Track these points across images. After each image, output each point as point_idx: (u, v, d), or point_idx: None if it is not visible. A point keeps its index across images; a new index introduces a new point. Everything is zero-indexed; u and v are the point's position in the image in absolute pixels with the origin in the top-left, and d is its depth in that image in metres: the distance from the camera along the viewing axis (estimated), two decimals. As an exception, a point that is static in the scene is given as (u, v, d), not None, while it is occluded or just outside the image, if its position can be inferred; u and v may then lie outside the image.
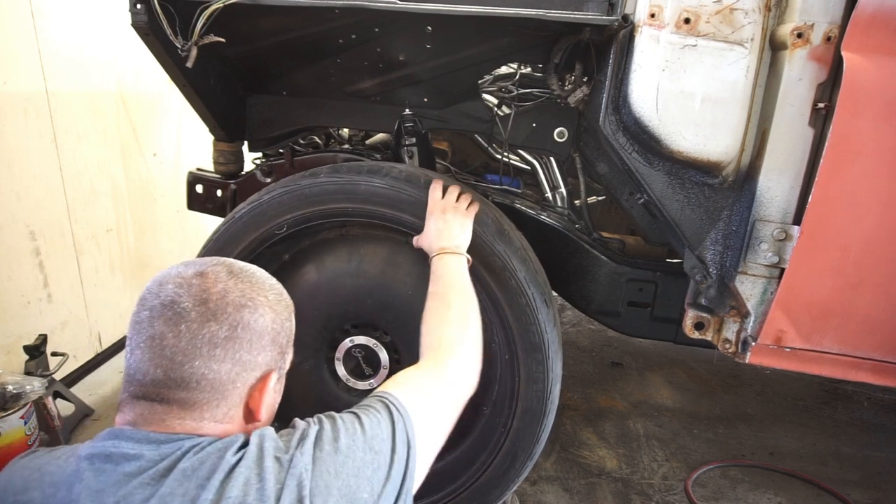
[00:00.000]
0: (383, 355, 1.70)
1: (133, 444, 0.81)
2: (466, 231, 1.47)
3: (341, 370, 1.74)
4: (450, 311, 1.26)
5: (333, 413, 0.94)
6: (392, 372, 1.71)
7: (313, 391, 1.79)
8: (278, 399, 0.96)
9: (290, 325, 0.96)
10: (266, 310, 0.89)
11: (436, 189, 1.52)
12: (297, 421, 0.91)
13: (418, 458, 0.96)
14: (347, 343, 1.72)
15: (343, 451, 0.87)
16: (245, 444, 0.84)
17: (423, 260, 1.62)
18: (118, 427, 0.85)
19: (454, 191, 1.54)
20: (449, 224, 1.45)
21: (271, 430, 0.88)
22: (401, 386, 1.05)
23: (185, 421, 0.84)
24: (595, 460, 2.46)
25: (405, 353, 1.69)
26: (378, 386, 1.69)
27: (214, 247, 1.63)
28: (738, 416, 2.84)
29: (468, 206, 1.52)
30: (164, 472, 0.78)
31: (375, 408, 0.96)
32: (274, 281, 0.95)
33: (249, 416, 0.89)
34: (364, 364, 1.72)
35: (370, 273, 1.71)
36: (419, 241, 1.50)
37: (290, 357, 0.97)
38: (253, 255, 1.65)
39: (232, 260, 0.93)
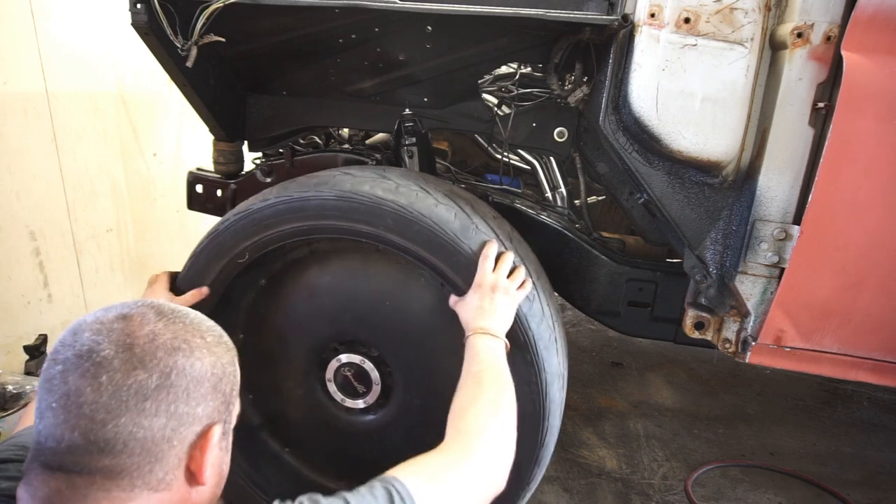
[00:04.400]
0: (373, 371, 1.66)
1: None
2: (510, 315, 1.36)
3: (334, 390, 1.71)
4: (481, 393, 1.14)
5: (318, 497, 0.83)
6: (385, 388, 1.67)
7: (313, 415, 1.77)
8: (226, 459, 0.84)
9: (234, 370, 0.83)
10: (204, 353, 0.77)
11: (487, 258, 1.39)
12: None
13: None
14: (335, 363, 1.68)
15: None
16: None
17: (395, 267, 1.59)
18: None
19: (506, 264, 1.41)
20: (495, 305, 1.33)
21: None
22: (413, 472, 0.92)
23: (111, 493, 0.70)
24: (595, 460, 2.45)
25: (395, 366, 1.65)
26: (373, 405, 1.69)
27: (185, 287, 1.59)
28: (738, 416, 2.84)
29: (519, 287, 1.41)
30: None
31: (374, 494, 0.85)
32: (212, 323, 0.84)
33: (192, 479, 0.77)
34: (355, 381, 1.67)
35: (343, 289, 1.66)
36: (457, 306, 1.40)
37: (236, 410, 0.85)
38: (225, 286, 1.60)
39: (161, 301, 0.82)
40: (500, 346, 1.29)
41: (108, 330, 0.74)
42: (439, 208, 1.46)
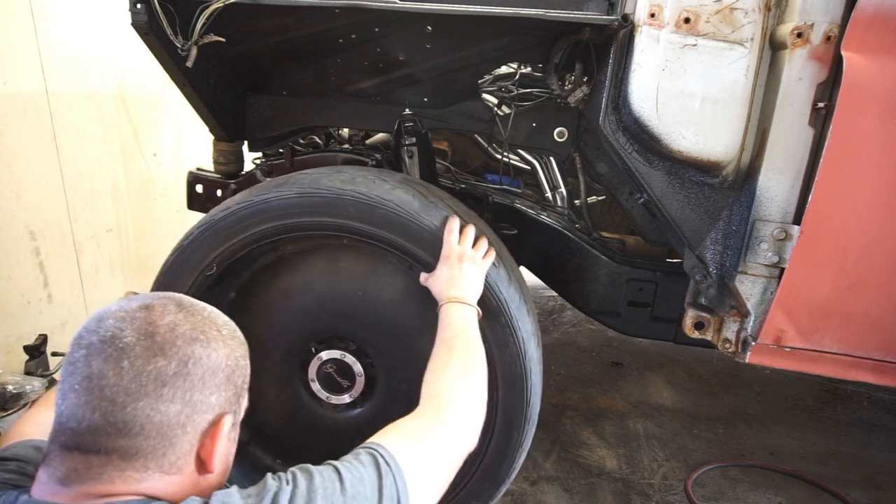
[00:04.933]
0: (355, 364, 1.66)
1: None
2: (479, 283, 1.41)
3: (318, 389, 1.71)
4: (452, 358, 1.20)
5: (310, 467, 0.86)
6: (368, 379, 1.68)
7: (301, 419, 1.76)
8: (233, 449, 0.88)
9: (246, 364, 0.87)
10: (220, 344, 0.81)
11: (451, 231, 1.45)
12: (269, 478, 0.83)
13: None
14: (316, 362, 1.68)
15: None
16: None
17: (362, 258, 1.61)
18: (32, 500, 0.74)
19: (469, 235, 1.46)
20: (464, 274, 1.38)
21: (235, 493, 0.79)
22: (392, 436, 0.97)
23: (125, 472, 0.74)
24: (595, 460, 2.45)
25: (376, 356, 1.66)
26: (360, 398, 1.69)
27: None
28: (738, 416, 2.84)
29: (484, 255, 1.46)
30: None
31: (360, 461, 0.88)
32: (227, 318, 0.88)
33: (201, 466, 0.80)
34: (338, 377, 1.68)
35: (316, 286, 1.67)
36: (428, 281, 1.44)
37: (245, 403, 0.88)
38: None
39: (181, 294, 0.86)
40: (471, 314, 1.33)
41: (132, 318, 0.77)
42: (397, 191, 1.50)
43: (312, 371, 1.69)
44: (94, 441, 0.73)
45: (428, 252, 1.47)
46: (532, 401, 1.57)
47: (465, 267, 1.40)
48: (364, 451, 0.91)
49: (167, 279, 1.59)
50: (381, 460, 0.89)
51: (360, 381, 1.68)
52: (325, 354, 1.67)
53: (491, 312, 1.48)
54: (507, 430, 1.57)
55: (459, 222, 1.48)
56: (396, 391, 1.67)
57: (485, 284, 1.45)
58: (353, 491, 0.83)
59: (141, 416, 0.74)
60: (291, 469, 0.85)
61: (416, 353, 1.59)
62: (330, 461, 0.89)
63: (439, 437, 1.02)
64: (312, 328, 1.67)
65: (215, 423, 0.80)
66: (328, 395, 1.71)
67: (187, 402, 0.77)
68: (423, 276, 1.47)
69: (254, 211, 1.50)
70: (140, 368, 0.74)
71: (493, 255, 1.49)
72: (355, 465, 0.87)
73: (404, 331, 1.63)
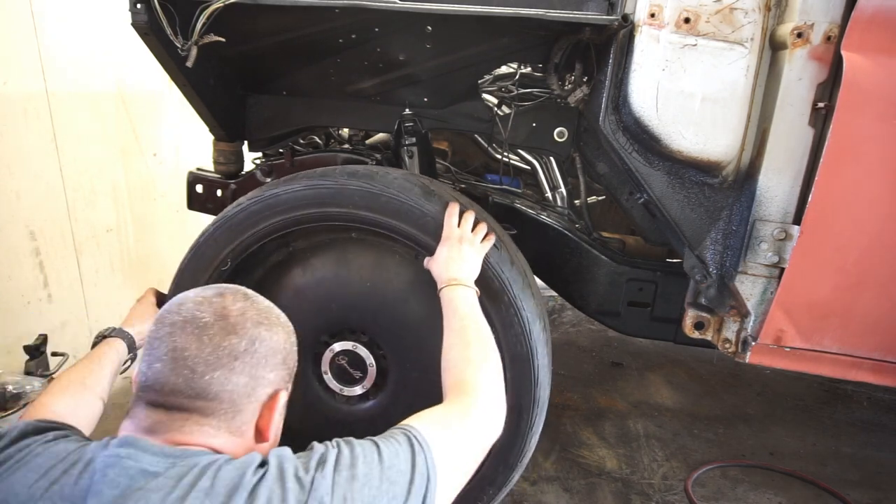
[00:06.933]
0: (366, 355, 1.69)
1: (150, 458, 0.82)
2: (477, 264, 1.46)
3: (332, 382, 1.73)
4: (470, 350, 1.23)
5: (352, 439, 0.95)
6: (380, 369, 1.70)
7: (316, 413, 1.77)
8: (281, 424, 0.99)
9: (296, 350, 1.01)
10: (279, 329, 0.96)
11: (452, 215, 1.51)
12: (316, 444, 0.93)
13: (438, 494, 0.94)
14: (328, 354, 1.70)
15: (360, 478, 0.87)
16: (263, 464, 0.86)
17: (371, 251, 1.67)
18: (132, 436, 0.85)
19: (470, 219, 1.52)
20: (463, 255, 1.43)
21: (289, 450, 0.89)
22: (425, 421, 1.03)
23: (203, 427, 0.87)
24: (595, 460, 2.45)
25: (387, 346, 1.68)
26: (372, 389, 1.72)
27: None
28: (738, 416, 2.84)
29: (483, 239, 1.50)
30: (185, 490, 0.79)
31: (396, 438, 0.96)
32: (280, 311, 1.01)
33: (258, 435, 0.93)
34: (351, 369, 1.71)
35: (326, 279, 1.72)
36: (429, 263, 1.49)
37: (291, 385, 1.00)
38: None
39: (245, 288, 0.99)
40: (473, 295, 1.38)
41: (209, 303, 0.92)
42: (399, 180, 1.57)
43: (325, 363, 1.72)
44: (177, 401, 0.86)
45: (431, 237, 1.52)
46: (540, 381, 1.58)
47: (464, 248, 1.44)
48: (399, 431, 0.98)
49: (185, 278, 1.64)
50: (414, 440, 0.96)
51: (372, 372, 1.70)
52: (337, 346, 1.70)
53: (494, 293, 1.52)
54: (516, 411, 1.58)
55: (460, 207, 1.53)
56: (408, 381, 1.69)
57: (487, 266, 1.49)
58: (390, 462, 0.91)
59: (216, 384, 0.86)
60: (336, 439, 0.95)
61: (426, 343, 1.61)
62: (368, 437, 0.96)
63: (469, 426, 1.08)
64: (325, 321, 1.71)
65: (273, 397, 0.93)
66: (341, 386, 1.74)
67: (252, 376, 0.90)
68: (426, 260, 1.52)
69: (264, 205, 1.57)
70: (217, 343, 0.87)
71: (492, 238, 1.53)
72: (391, 442, 0.95)
73: (414, 321, 1.66)
